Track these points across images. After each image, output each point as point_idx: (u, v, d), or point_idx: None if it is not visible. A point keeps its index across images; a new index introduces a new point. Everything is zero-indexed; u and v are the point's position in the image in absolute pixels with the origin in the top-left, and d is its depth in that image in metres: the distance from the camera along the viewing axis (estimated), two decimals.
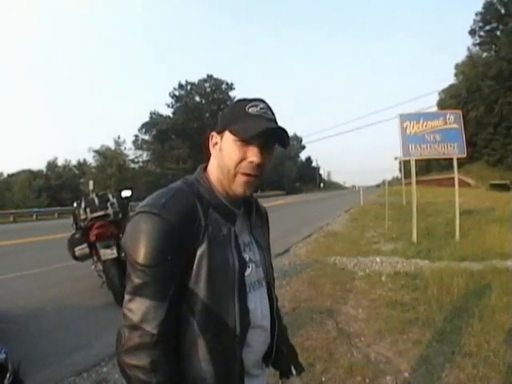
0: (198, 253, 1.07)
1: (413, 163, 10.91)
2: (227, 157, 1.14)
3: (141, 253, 1.01)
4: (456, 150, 10.56)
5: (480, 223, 13.10)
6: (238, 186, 1.15)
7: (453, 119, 10.62)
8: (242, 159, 1.12)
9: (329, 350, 4.09)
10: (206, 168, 1.25)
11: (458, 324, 4.53)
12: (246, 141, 1.11)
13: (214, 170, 1.21)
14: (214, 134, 1.21)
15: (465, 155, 10.84)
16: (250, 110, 1.14)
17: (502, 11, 56.03)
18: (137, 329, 1.01)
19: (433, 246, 9.62)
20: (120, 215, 6.40)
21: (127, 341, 1.01)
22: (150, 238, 1.02)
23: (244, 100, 1.18)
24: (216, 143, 1.20)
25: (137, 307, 1.01)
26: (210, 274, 1.07)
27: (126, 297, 1.04)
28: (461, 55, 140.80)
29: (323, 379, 3.52)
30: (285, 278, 7.38)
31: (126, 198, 6.79)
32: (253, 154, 1.12)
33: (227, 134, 1.15)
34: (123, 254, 5.36)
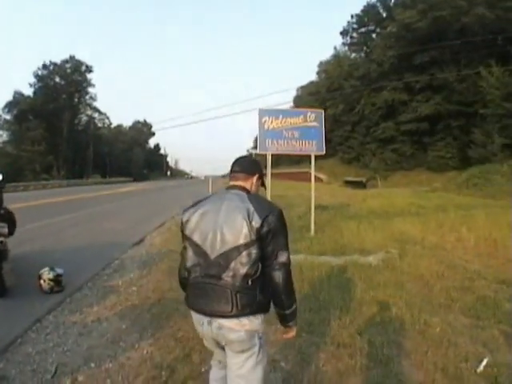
0: None
1: (269, 158, 11.33)
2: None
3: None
4: (314, 148, 11.23)
5: (336, 219, 14.24)
6: None
7: (314, 117, 11.23)
8: None
9: (202, 341, 4.17)
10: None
11: (326, 316, 4.90)
12: None
13: None
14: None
15: (323, 153, 11.58)
16: None
17: (384, 15, 61.36)
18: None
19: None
20: None
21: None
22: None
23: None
24: None
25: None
26: None
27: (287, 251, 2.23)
28: (326, 54, 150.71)
29: (202, 370, 3.61)
30: (145, 268, 7.43)
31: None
32: None
33: None
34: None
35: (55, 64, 72.72)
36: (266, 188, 2.68)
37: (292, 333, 2.33)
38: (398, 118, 51.19)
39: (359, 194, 28.23)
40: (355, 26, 67.07)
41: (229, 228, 2.12)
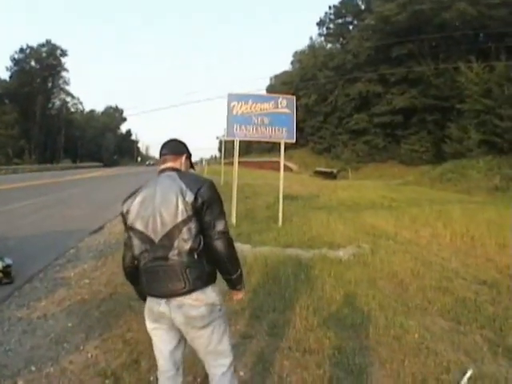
0: None
1: (236, 144, 11.02)
2: None
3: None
4: (285, 135, 10.91)
5: (304, 209, 13.93)
6: None
7: (285, 103, 10.91)
8: None
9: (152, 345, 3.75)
10: None
11: (291, 317, 4.52)
12: None
13: None
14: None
15: (294, 140, 11.31)
16: None
17: (362, 7, 61.48)
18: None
19: (253, 229, 9.76)
20: None
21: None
22: None
23: None
24: None
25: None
26: None
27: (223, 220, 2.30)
28: (301, 44, 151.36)
29: (151, 378, 3.25)
30: (100, 259, 7.01)
31: None
32: None
33: None
34: None
35: (32, 48, 73.57)
36: (194, 169, 2.75)
37: (240, 295, 2.52)
38: (372, 109, 51.28)
39: (329, 185, 28.19)
40: (332, 17, 66.98)
41: (166, 209, 2.21)
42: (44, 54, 74.14)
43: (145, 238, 2.25)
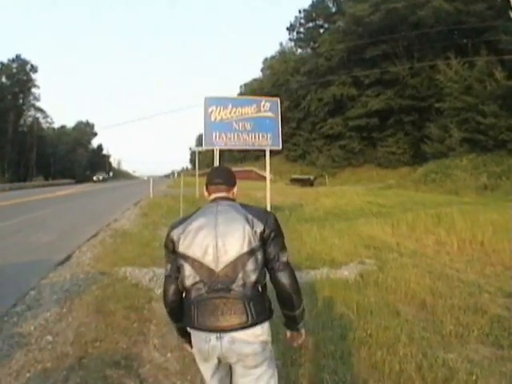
0: None
1: (216, 154, 10.37)
2: None
3: None
4: (269, 142, 10.44)
5: (292, 222, 13.34)
6: None
7: (268, 106, 10.45)
8: None
9: None
10: None
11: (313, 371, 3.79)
12: None
13: None
14: None
15: (279, 147, 10.91)
16: None
17: (333, 9, 61.83)
18: None
19: None
20: None
21: None
22: None
23: None
24: None
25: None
26: None
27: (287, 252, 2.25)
28: (271, 50, 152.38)
29: None
30: (65, 303, 5.84)
31: None
32: None
33: None
34: None
35: (2, 63, 72.93)
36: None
37: (302, 337, 2.37)
38: (347, 113, 51.07)
39: (310, 193, 27.80)
40: (303, 21, 67.36)
41: (231, 238, 2.15)
42: (14, 70, 73.57)
43: (201, 266, 2.16)
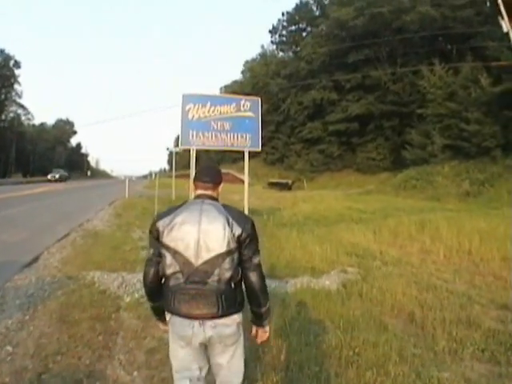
0: None
1: (193, 154, 9.97)
2: None
3: None
4: (249, 143, 10.12)
5: (270, 227, 13.04)
6: None
7: (249, 106, 10.15)
8: None
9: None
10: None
11: None
12: None
13: None
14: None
15: (259, 149, 10.69)
16: None
17: (317, 13, 62.04)
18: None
19: None
20: None
21: None
22: None
23: None
24: None
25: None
26: None
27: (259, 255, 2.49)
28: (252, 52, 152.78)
29: None
30: (28, 309, 5.45)
31: None
32: None
33: None
34: None
35: None
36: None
37: (266, 334, 2.63)
38: (326, 117, 51.03)
39: (288, 197, 27.61)
40: (285, 24, 67.48)
41: (212, 237, 2.35)
42: None
43: (181, 259, 2.35)
